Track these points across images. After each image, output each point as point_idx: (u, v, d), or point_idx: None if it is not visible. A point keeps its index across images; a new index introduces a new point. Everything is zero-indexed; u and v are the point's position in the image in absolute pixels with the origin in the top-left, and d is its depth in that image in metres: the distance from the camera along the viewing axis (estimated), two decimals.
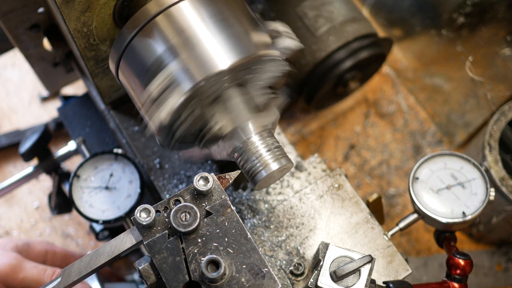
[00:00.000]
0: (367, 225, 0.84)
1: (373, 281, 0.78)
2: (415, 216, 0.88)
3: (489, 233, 1.15)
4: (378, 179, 1.22)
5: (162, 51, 0.73)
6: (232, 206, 0.72)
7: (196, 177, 0.72)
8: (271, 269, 0.69)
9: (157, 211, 0.71)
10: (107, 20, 0.78)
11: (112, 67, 0.80)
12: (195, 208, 0.70)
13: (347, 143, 1.24)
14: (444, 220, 0.84)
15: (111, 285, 0.98)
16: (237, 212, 0.80)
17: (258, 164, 0.74)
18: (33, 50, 1.00)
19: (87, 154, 1.00)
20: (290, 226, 0.84)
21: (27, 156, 1.00)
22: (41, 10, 0.91)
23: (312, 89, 1.08)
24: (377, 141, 1.25)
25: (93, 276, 0.88)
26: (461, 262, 0.82)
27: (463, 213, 0.85)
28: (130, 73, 0.76)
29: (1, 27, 0.92)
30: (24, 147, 1.00)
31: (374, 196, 0.91)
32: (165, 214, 0.71)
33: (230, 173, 0.75)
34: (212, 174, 0.72)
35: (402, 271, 0.82)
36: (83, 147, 1.01)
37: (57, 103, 1.28)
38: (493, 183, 1.00)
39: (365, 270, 0.75)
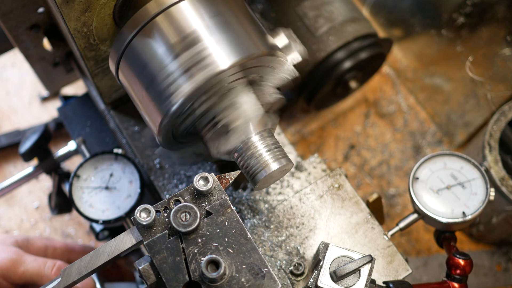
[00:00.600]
0: (367, 225, 0.84)
1: (373, 281, 0.78)
2: (415, 216, 0.88)
3: (489, 233, 1.15)
4: (378, 179, 1.22)
5: (162, 51, 0.73)
6: (232, 206, 0.72)
7: (196, 177, 0.72)
8: (271, 269, 0.69)
9: (157, 211, 0.71)
10: (107, 20, 0.78)
11: (112, 67, 0.80)
12: (195, 208, 0.70)
13: (347, 143, 1.24)
14: (444, 220, 0.84)
15: (111, 285, 0.98)
16: (237, 212, 0.80)
17: (258, 164, 0.74)
18: (33, 50, 1.00)
19: (87, 154, 1.00)
20: (290, 226, 0.84)
21: (27, 156, 1.00)
22: (41, 10, 0.91)
23: (312, 89, 1.08)
24: (377, 141, 1.25)
25: (93, 276, 0.88)
26: (461, 262, 0.82)
27: (463, 213, 0.85)
28: (130, 73, 0.76)
29: (1, 27, 0.92)
30: (24, 147, 1.00)
31: (374, 196, 0.91)
32: (165, 214, 0.71)
33: (230, 173, 0.75)
34: (212, 174, 0.72)
35: (402, 271, 0.82)
36: (83, 147, 1.01)
37: (57, 103, 1.28)
38: (493, 183, 1.00)
39: (365, 270, 0.75)
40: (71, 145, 1.03)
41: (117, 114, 0.98)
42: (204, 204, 0.72)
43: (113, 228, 0.98)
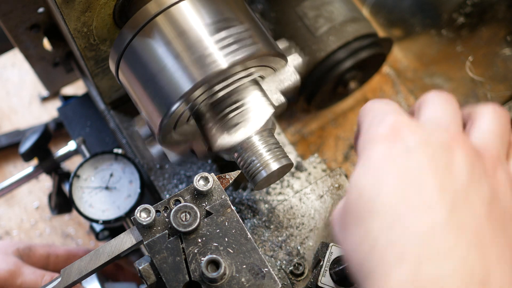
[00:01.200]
0: None
1: None
2: None
3: None
4: None
5: (162, 51, 0.73)
6: (232, 206, 0.72)
7: (196, 177, 0.72)
8: (271, 269, 0.69)
9: (157, 211, 0.71)
10: (107, 20, 0.78)
11: (112, 67, 0.80)
12: (195, 208, 0.70)
13: (347, 143, 1.24)
14: None
15: (111, 285, 0.98)
16: (237, 212, 0.81)
17: (258, 164, 0.74)
18: (33, 50, 1.00)
19: (87, 154, 1.00)
20: (290, 226, 0.84)
21: (27, 156, 1.00)
22: (41, 10, 0.91)
23: (312, 89, 1.08)
24: None
25: (93, 276, 0.88)
26: None
27: None
28: (130, 73, 0.76)
29: (1, 27, 0.92)
30: (24, 147, 1.00)
31: None
32: (165, 214, 0.71)
33: (230, 173, 0.75)
34: (212, 174, 0.72)
35: None
36: (83, 147, 1.01)
37: (57, 103, 1.28)
38: None
39: None
40: (71, 145, 1.03)
41: (117, 114, 0.98)
42: (204, 204, 0.72)
43: (113, 228, 0.98)
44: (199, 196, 0.72)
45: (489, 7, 1.05)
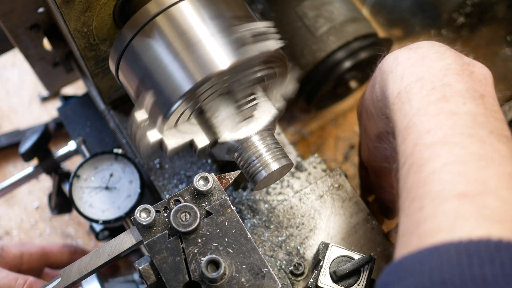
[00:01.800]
0: (367, 225, 0.84)
1: (373, 281, 0.78)
2: None
3: None
4: None
5: (162, 50, 0.73)
6: (232, 206, 0.72)
7: (196, 177, 0.72)
8: (271, 269, 0.69)
9: (157, 211, 0.71)
10: (107, 20, 0.78)
11: (112, 67, 0.80)
12: (195, 208, 0.70)
13: (347, 143, 1.24)
14: None
15: (111, 285, 0.98)
16: (237, 212, 0.81)
17: (258, 164, 0.74)
18: (33, 50, 1.00)
19: (87, 154, 1.00)
20: (290, 226, 0.84)
21: (27, 156, 1.00)
22: (41, 10, 0.91)
23: (312, 89, 1.08)
24: None
25: (93, 276, 0.88)
26: None
27: None
28: (130, 73, 0.76)
29: (1, 27, 0.92)
30: (24, 147, 1.00)
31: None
32: (165, 214, 0.71)
33: (230, 173, 0.75)
34: (212, 174, 0.72)
35: None
36: (83, 147, 1.01)
37: (57, 103, 1.28)
38: None
39: (365, 270, 0.75)
40: (71, 145, 1.03)
41: (117, 114, 0.98)
42: (204, 204, 0.72)
43: (113, 228, 0.98)
44: (199, 196, 0.72)
45: (489, 7, 1.05)
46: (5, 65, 1.33)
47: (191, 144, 0.77)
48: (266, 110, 0.77)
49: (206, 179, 0.72)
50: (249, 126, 0.75)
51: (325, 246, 0.77)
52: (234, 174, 0.75)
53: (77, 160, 1.14)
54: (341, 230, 0.84)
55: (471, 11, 1.07)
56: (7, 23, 0.91)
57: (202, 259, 0.68)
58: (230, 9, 0.75)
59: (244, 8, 0.77)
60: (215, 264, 0.67)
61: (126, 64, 0.77)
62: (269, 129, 0.77)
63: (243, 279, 0.68)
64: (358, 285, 0.75)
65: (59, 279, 0.71)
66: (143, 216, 0.69)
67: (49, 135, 1.02)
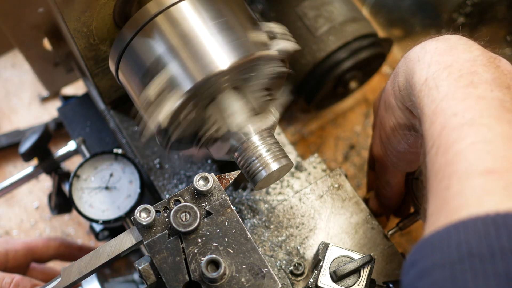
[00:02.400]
0: (367, 225, 0.84)
1: (373, 281, 0.78)
2: (415, 216, 0.88)
3: None
4: None
5: (162, 51, 0.73)
6: (232, 206, 0.72)
7: (196, 177, 0.72)
8: (271, 269, 0.69)
9: (157, 211, 0.71)
10: (107, 20, 0.78)
11: (112, 67, 0.80)
12: (195, 208, 0.70)
13: (347, 143, 1.24)
14: None
15: (111, 285, 0.98)
16: (237, 212, 0.80)
17: (258, 164, 0.74)
18: (33, 50, 1.00)
19: (87, 154, 1.00)
20: (290, 226, 0.84)
21: (27, 156, 1.00)
22: (41, 10, 0.91)
23: (312, 89, 1.08)
24: None
25: (93, 276, 0.88)
26: None
27: None
28: (130, 73, 0.76)
29: (1, 27, 0.92)
30: (24, 147, 1.00)
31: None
32: (165, 214, 0.71)
33: (230, 173, 0.75)
34: (212, 174, 0.72)
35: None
36: (83, 147, 1.01)
37: (57, 103, 1.28)
38: None
39: (365, 270, 0.75)
40: (71, 145, 1.03)
41: (117, 114, 0.98)
42: (204, 204, 0.72)
43: (113, 228, 0.98)
44: (199, 196, 0.72)
45: (489, 7, 1.05)
46: (5, 65, 1.33)
47: (196, 132, 0.76)
48: (271, 109, 0.77)
49: (206, 179, 0.72)
50: (256, 122, 0.75)
51: (325, 246, 0.77)
52: (234, 174, 0.75)
53: (77, 160, 1.14)
54: (341, 230, 0.84)
55: (471, 11, 1.07)
56: (7, 23, 0.91)
57: (202, 259, 0.68)
58: (230, 9, 0.75)
59: (244, 8, 0.77)
60: (215, 264, 0.67)
61: (126, 64, 0.77)
62: (269, 129, 0.77)
63: (243, 279, 0.68)
64: (358, 285, 0.75)
65: (59, 279, 0.71)
66: (143, 216, 0.69)
67: (49, 135, 1.02)
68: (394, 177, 0.85)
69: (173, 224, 0.69)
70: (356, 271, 0.75)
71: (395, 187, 0.87)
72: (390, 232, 0.86)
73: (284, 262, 0.82)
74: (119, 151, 0.96)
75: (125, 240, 0.72)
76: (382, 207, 0.92)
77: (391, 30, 1.28)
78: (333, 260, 0.76)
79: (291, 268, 0.82)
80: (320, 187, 0.87)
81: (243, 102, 0.75)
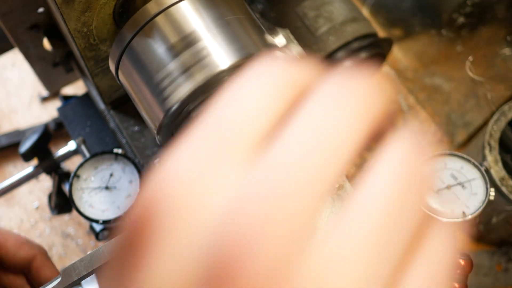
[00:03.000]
0: None
1: None
2: None
3: (489, 233, 1.15)
4: None
5: (162, 50, 0.73)
6: None
7: None
8: None
9: None
10: (107, 20, 0.78)
11: (112, 67, 0.80)
12: None
13: None
14: (444, 220, 0.84)
15: None
16: None
17: None
18: (33, 50, 1.00)
19: (87, 154, 1.00)
20: None
21: (27, 156, 1.00)
22: (41, 10, 0.91)
23: None
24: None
25: (93, 276, 0.88)
26: (461, 262, 0.82)
27: (463, 213, 0.85)
28: (130, 73, 0.76)
29: (1, 27, 0.92)
30: (24, 147, 1.00)
31: None
32: None
33: None
34: None
35: None
36: (83, 147, 1.01)
37: (57, 103, 1.28)
38: (493, 183, 1.00)
39: None
40: (71, 145, 1.03)
41: (117, 114, 0.98)
42: None
43: (113, 228, 0.98)
44: None
45: (489, 7, 1.05)
46: (5, 65, 1.33)
47: None
48: None
49: None
50: None
51: None
52: None
53: (77, 160, 1.14)
54: None
55: (471, 11, 1.07)
56: (7, 23, 0.91)
57: None
58: (230, 9, 0.75)
59: (244, 8, 0.77)
60: None
61: (126, 64, 0.77)
62: None
63: None
64: None
65: (59, 279, 0.71)
66: None
67: (49, 135, 1.02)
68: None
69: None
70: None
71: None
72: None
73: None
74: (119, 151, 0.96)
75: None
76: None
77: (391, 30, 1.28)
78: None
79: None
80: None
81: None
